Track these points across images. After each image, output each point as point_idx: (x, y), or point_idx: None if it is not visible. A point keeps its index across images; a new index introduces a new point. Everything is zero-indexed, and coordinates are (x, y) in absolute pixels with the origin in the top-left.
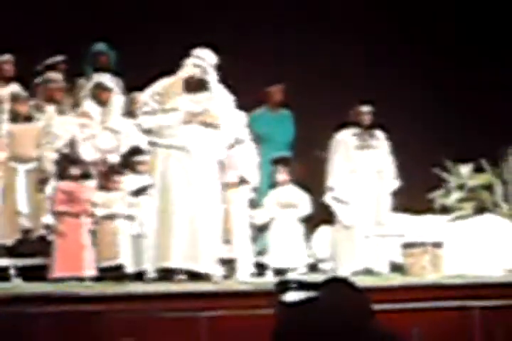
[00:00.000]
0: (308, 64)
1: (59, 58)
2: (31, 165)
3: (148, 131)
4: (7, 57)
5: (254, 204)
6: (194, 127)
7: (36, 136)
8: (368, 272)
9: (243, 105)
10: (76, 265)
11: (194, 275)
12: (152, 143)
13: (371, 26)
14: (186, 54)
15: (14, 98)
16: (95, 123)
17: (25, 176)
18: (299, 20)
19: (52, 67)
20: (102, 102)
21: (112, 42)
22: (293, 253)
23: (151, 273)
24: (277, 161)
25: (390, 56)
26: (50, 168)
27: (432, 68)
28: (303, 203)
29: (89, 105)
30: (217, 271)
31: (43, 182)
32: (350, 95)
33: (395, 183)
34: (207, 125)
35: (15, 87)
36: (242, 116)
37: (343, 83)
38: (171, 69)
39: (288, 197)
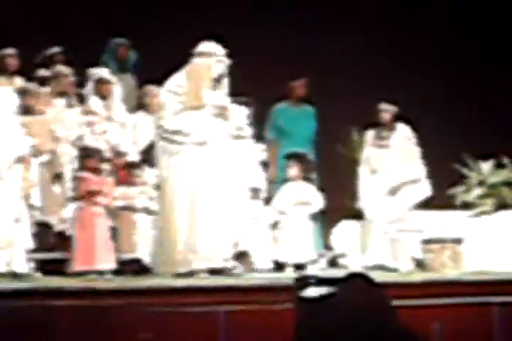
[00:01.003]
0: (333, 59)
1: (56, 49)
2: (45, 159)
3: (174, 132)
4: (11, 50)
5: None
6: (218, 123)
7: (49, 129)
8: (384, 268)
9: (266, 99)
10: (95, 258)
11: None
12: (178, 142)
13: (395, 22)
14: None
15: (24, 91)
16: (102, 119)
17: (39, 169)
18: (323, 15)
19: (50, 59)
20: (105, 96)
21: (124, 35)
22: (302, 249)
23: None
24: (290, 157)
25: (413, 53)
26: (65, 161)
27: (455, 64)
28: (314, 200)
29: (94, 101)
30: (238, 265)
31: (57, 176)
32: (374, 92)
33: (428, 192)
34: (227, 121)
35: (20, 81)
36: (244, 112)
37: (367, 79)
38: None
39: (299, 194)
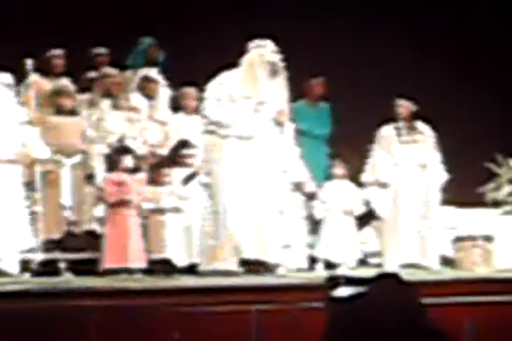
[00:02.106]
0: (355, 56)
1: (101, 50)
2: (76, 159)
3: (215, 124)
4: (58, 51)
5: (311, 196)
6: (262, 117)
7: (81, 130)
8: (414, 266)
9: None
10: (127, 256)
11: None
12: (220, 135)
13: (417, 18)
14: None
15: (57, 92)
16: (143, 117)
17: (71, 170)
18: (343, 12)
19: (94, 60)
20: (150, 95)
21: (158, 36)
22: (345, 248)
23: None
24: (334, 156)
25: (439, 49)
26: (97, 162)
27: (482, 61)
28: (357, 201)
29: (136, 98)
30: (284, 262)
31: (89, 177)
32: (401, 89)
33: (444, 176)
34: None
35: (64, 81)
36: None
37: (392, 76)
38: (224, 64)
39: (343, 192)
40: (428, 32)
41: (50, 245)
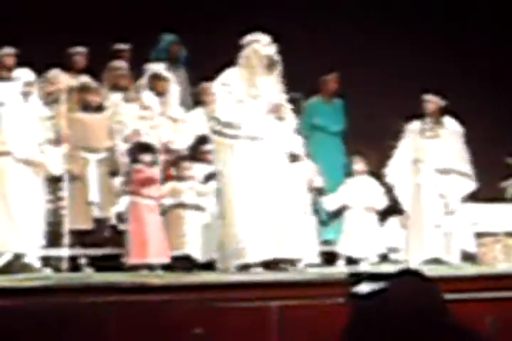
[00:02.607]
0: (374, 52)
1: (123, 46)
2: (102, 155)
3: (225, 124)
4: (80, 49)
5: (322, 192)
6: (270, 117)
7: (107, 126)
8: (437, 262)
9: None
10: (149, 252)
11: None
12: (230, 136)
13: (439, 14)
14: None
15: (84, 88)
16: (155, 114)
17: (97, 166)
18: (358, 8)
19: (117, 56)
20: (160, 92)
21: (178, 32)
22: (366, 244)
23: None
24: (354, 152)
25: (460, 45)
26: (122, 158)
27: (503, 56)
28: (378, 196)
29: (147, 96)
30: (304, 258)
31: (115, 173)
32: (425, 84)
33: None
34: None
35: (85, 78)
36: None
37: (414, 73)
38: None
39: (364, 188)
40: (447, 28)
41: (72, 241)
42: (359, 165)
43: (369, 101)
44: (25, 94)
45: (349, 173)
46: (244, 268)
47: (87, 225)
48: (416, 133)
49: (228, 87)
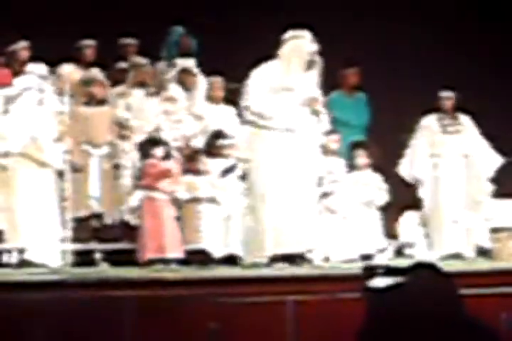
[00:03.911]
0: (392, 47)
1: (129, 40)
2: (105, 151)
3: (256, 114)
4: (89, 42)
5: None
6: (303, 109)
7: (110, 120)
8: (456, 257)
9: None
10: (165, 246)
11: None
12: (261, 126)
13: (457, 11)
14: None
15: (90, 81)
16: (180, 109)
17: (99, 160)
18: (380, 5)
19: (122, 50)
20: (188, 87)
21: (188, 26)
22: (368, 239)
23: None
24: (356, 145)
25: (476, 43)
26: (125, 153)
27: None
28: (380, 190)
29: (175, 89)
30: (319, 253)
31: (116, 167)
32: (436, 80)
33: (498, 160)
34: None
35: (95, 71)
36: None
37: (427, 68)
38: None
39: (365, 183)
40: (467, 27)
41: (86, 235)
42: (362, 158)
43: (371, 96)
44: (40, 90)
45: (350, 168)
46: (272, 261)
47: (87, 209)
48: (431, 129)
49: (263, 77)
